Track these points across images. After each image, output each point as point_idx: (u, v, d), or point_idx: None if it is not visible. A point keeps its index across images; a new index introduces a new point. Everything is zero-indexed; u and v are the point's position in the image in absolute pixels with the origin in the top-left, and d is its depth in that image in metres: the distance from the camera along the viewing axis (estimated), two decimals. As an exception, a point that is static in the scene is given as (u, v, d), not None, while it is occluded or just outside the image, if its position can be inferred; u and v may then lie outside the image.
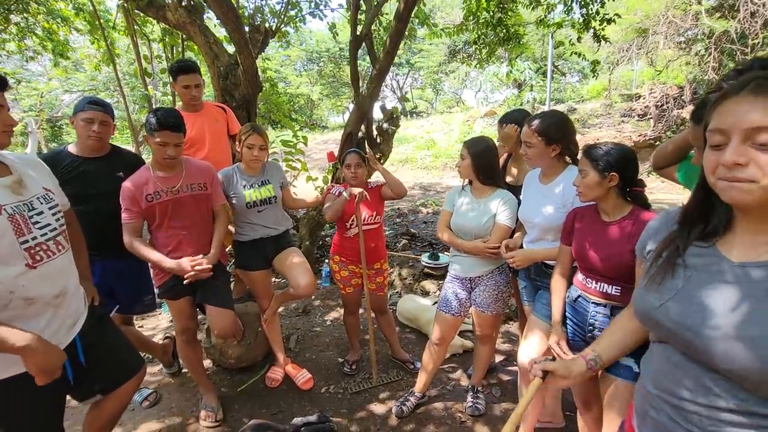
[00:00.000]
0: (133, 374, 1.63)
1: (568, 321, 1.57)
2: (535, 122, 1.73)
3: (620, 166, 1.41)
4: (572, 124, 1.83)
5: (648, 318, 0.80)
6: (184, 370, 2.65)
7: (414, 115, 20.92)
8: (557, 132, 1.71)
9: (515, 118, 2.18)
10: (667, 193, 8.12)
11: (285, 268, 2.34)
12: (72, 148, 2.05)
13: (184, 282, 1.96)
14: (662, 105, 10.09)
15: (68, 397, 1.49)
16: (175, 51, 4.75)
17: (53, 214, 1.34)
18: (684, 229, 0.79)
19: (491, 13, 4.90)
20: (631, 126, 10.55)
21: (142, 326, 3.36)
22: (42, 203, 1.31)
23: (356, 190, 2.25)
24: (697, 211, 0.77)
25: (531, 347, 1.76)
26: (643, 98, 10.87)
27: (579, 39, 5.00)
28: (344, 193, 2.26)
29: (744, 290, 0.67)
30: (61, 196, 1.49)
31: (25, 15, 5.68)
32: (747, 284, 0.67)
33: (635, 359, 1.36)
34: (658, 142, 9.08)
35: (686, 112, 9.19)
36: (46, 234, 1.28)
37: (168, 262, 1.93)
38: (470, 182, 2.08)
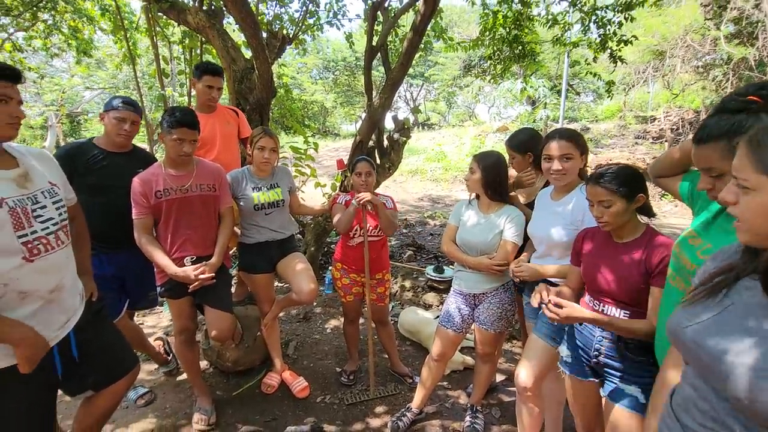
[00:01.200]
0: (127, 372, 1.62)
1: (569, 344, 1.52)
2: (567, 134, 1.69)
3: (642, 187, 1.37)
4: None
5: (674, 335, 0.80)
6: (181, 370, 2.63)
7: (426, 127, 21.01)
8: (584, 142, 1.71)
9: (527, 144, 2.10)
10: (680, 218, 7.98)
11: (288, 274, 2.33)
12: (98, 141, 2.11)
13: (189, 290, 1.97)
14: (677, 129, 10.00)
15: (60, 392, 1.49)
16: (193, 53, 4.84)
17: (57, 209, 1.35)
18: (743, 260, 0.77)
19: (507, 30, 4.92)
20: (645, 148, 10.44)
21: (142, 323, 3.36)
22: (46, 197, 1.32)
23: (364, 195, 2.23)
24: (746, 248, 0.77)
25: (530, 367, 1.71)
26: (658, 121, 10.78)
27: (595, 59, 4.99)
28: (353, 202, 2.24)
29: (765, 325, 0.65)
30: (67, 191, 1.50)
31: (52, 13, 5.86)
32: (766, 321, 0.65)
33: (641, 389, 1.32)
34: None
35: (702, 137, 9.08)
36: (47, 228, 1.29)
37: (173, 269, 1.93)
38: (477, 197, 2.06)
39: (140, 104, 4.99)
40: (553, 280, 1.73)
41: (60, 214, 1.36)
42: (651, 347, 1.36)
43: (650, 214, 1.44)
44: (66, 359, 1.40)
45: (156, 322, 3.39)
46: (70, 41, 6.50)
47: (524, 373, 1.72)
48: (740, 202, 0.67)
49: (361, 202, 2.22)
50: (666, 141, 10.07)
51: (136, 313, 2.93)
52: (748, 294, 0.72)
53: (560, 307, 1.32)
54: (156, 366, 2.69)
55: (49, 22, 6.07)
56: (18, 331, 1.15)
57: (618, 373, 1.37)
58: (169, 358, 2.67)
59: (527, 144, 2.11)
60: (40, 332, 1.25)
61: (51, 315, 1.32)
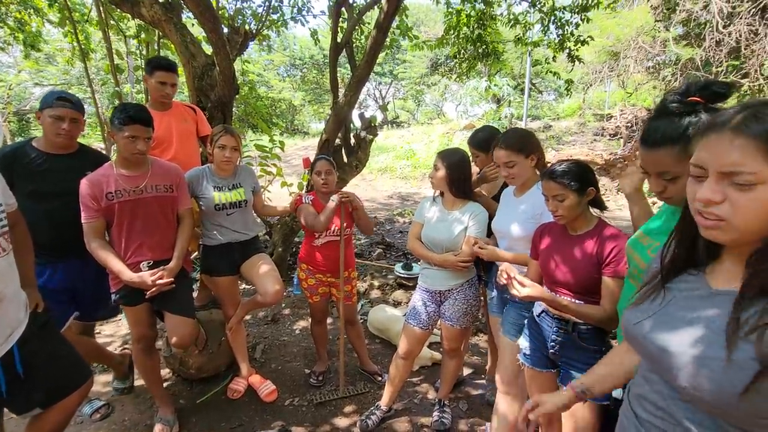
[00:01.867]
0: (78, 386, 1.53)
1: (530, 337, 1.57)
2: (508, 141, 1.75)
3: (592, 181, 1.43)
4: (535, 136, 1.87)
5: (627, 333, 0.83)
6: (138, 383, 2.50)
7: (395, 125, 21.08)
8: (530, 143, 1.76)
9: (488, 142, 2.11)
10: (635, 211, 8.40)
11: (253, 275, 2.27)
12: (37, 143, 1.95)
13: (146, 296, 1.88)
14: (632, 126, 10.52)
15: (6, 410, 1.39)
16: (150, 48, 4.62)
17: None
18: (677, 258, 0.79)
19: (471, 29, 5.01)
20: (603, 144, 10.94)
21: (99, 332, 3.18)
22: None
23: (337, 196, 2.21)
24: (685, 241, 0.78)
25: (507, 367, 1.76)
26: (614, 119, 11.31)
27: (554, 58, 5.17)
28: (332, 200, 2.21)
29: (710, 315, 0.68)
30: (7, 196, 1.40)
31: (-5, 4, 5.43)
32: (714, 309, 0.68)
33: None
34: (627, 162, 9.42)
35: (654, 134, 9.60)
36: None
37: (128, 275, 1.84)
38: (441, 194, 2.08)
39: (94, 102, 4.74)
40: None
41: (0, 220, 1.27)
42: (603, 337, 1.42)
43: (602, 207, 1.51)
44: (10, 376, 1.31)
45: (114, 331, 3.23)
46: (16, 34, 6.05)
47: (501, 374, 1.79)
48: (730, 201, 0.63)
49: (341, 199, 2.20)
50: (621, 137, 10.58)
51: (95, 325, 2.77)
52: (687, 287, 0.76)
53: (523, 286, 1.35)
54: (112, 377, 2.56)
55: (-9, 13, 5.63)
56: None
57: (573, 363, 1.43)
58: (129, 377, 2.50)
59: (489, 143, 2.15)
60: None
61: None
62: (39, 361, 1.40)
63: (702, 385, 0.63)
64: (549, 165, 1.50)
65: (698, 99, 0.95)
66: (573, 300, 1.42)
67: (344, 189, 2.59)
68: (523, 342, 1.59)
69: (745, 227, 0.63)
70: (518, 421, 1.15)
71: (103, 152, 3.14)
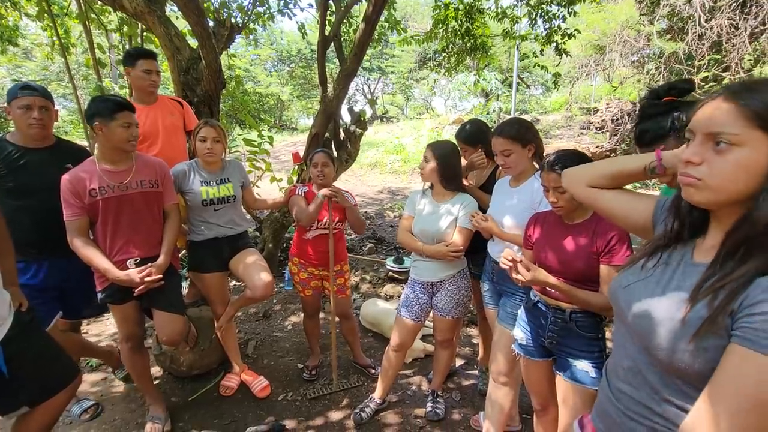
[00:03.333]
0: (65, 384, 1.50)
1: (525, 326, 1.59)
2: (506, 129, 1.75)
3: None
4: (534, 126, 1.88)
5: (612, 294, 0.86)
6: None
7: (384, 119, 21.02)
8: (528, 132, 1.76)
9: (476, 137, 2.16)
10: (621, 203, 8.54)
11: (241, 270, 2.24)
12: (12, 137, 1.88)
13: (134, 294, 1.85)
14: (617, 119, 10.67)
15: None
16: (133, 41, 4.51)
17: None
18: (668, 231, 0.82)
19: (460, 22, 5.00)
20: (589, 138, 11.08)
21: (87, 332, 3.13)
22: None
23: (326, 191, 2.20)
24: (678, 215, 0.81)
25: (502, 357, 1.78)
26: (600, 112, 11.45)
27: (542, 52, 5.20)
28: (319, 195, 2.20)
29: (685, 284, 0.72)
30: None
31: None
32: (690, 280, 0.72)
33: (592, 364, 1.40)
34: (613, 154, 9.58)
35: (639, 127, 9.75)
36: None
37: (115, 272, 1.80)
38: (431, 186, 2.09)
39: (76, 98, 4.63)
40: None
41: None
42: (599, 324, 1.44)
43: None
44: None
45: (101, 330, 3.17)
46: (-9, 28, 5.86)
47: (497, 365, 1.80)
48: (708, 162, 0.67)
49: (326, 195, 2.18)
50: (607, 131, 10.73)
51: (81, 323, 2.71)
52: (672, 260, 0.79)
53: (527, 270, 1.36)
54: (102, 376, 2.52)
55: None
56: None
57: (570, 350, 1.45)
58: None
59: (477, 136, 2.16)
60: None
61: None
62: (24, 361, 1.37)
63: (660, 345, 0.69)
64: (546, 156, 1.49)
65: (670, 99, 1.14)
66: None
67: (334, 184, 2.57)
68: (518, 332, 1.61)
69: (717, 187, 0.66)
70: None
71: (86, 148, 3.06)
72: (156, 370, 2.55)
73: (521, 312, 1.64)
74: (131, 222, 1.89)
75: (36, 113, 1.83)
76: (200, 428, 2.12)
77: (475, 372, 2.61)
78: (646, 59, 10.71)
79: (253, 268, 2.19)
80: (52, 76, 14.24)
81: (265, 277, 2.16)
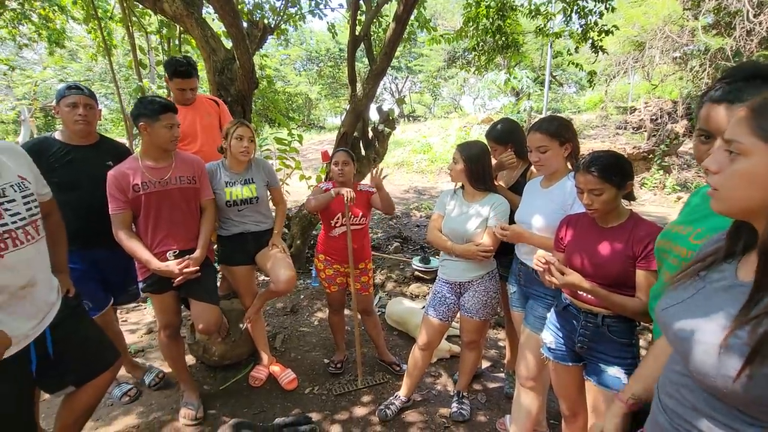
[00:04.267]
0: (108, 366, 1.60)
1: (555, 330, 1.55)
2: (545, 125, 1.72)
3: (631, 174, 1.38)
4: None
5: (657, 317, 0.84)
6: (164, 369, 2.57)
7: (412, 119, 20.96)
8: (567, 131, 1.72)
9: (506, 136, 2.13)
10: (658, 206, 8.19)
11: (266, 264, 2.30)
12: (59, 135, 2.01)
13: (173, 284, 1.93)
14: (656, 119, 10.20)
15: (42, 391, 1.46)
16: (172, 43, 4.71)
17: (26, 204, 1.30)
18: (723, 247, 0.79)
19: (491, 20, 4.92)
20: (626, 138, 10.65)
21: (125, 320, 3.30)
22: (15, 191, 1.28)
23: (345, 190, 2.23)
24: (731, 231, 0.78)
25: (530, 361, 1.75)
26: (638, 111, 10.98)
27: (576, 49, 5.05)
28: (332, 191, 2.24)
29: (729, 305, 0.68)
30: (39, 185, 1.46)
31: (21, 1, 5.61)
32: (735, 300, 0.68)
33: (624, 370, 1.36)
34: (651, 155, 9.18)
35: (680, 127, 9.29)
36: (15, 222, 1.25)
37: (156, 264, 1.90)
38: (462, 186, 2.07)
39: (118, 98, 4.86)
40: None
41: (29, 209, 1.32)
42: (632, 329, 1.39)
43: (632, 198, 1.46)
44: (42, 357, 1.37)
45: (139, 319, 3.33)
46: (40, 31, 6.25)
47: (525, 369, 1.77)
48: (723, 170, 0.67)
49: (343, 193, 2.21)
50: (645, 131, 10.28)
51: (118, 309, 2.86)
52: (718, 277, 0.75)
53: (561, 273, 1.34)
54: (142, 361, 2.65)
55: (18, 10, 5.81)
56: None
57: (601, 356, 1.41)
58: (148, 370, 2.52)
59: (508, 135, 2.13)
60: (12, 328, 1.21)
61: (24, 311, 1.28)
62: (71, 343, 1.46)
63: (703, 370, 0.66)
64: (582, 157, 1.44)
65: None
66: None
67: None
68: (547, 336, 1.57)
69: (728, 196, 0.67)
70: None
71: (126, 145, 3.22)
72: (189, 359, 2.65)
73: (551, 315, 1.61)
74: (170, 216, 1.98)
75: (81, 111, 1.95)
76: (231, 416, 2.19)
77: (502, 375, 2.58)
78: (690, 56, 10.18)
79: (276, 264, 2.25)
80: (95, 77, 15.03)
81: (288, 271, 2.21)
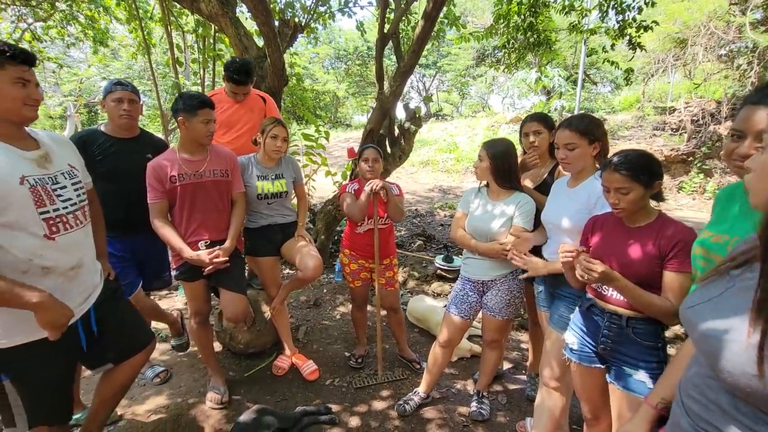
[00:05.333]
0: (144, 346, 1.70)
1: (578, 331, 1.52)
2: (575, 123, 1.69)
3: (660, 173, 1.35)
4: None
5: (681, 315, 0.83)
6: (193, 348, 2.69)
7: (438, 117, 20.81)
8: (597, 129, 1.68)
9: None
10: (697, 211, 7.81)
11: (292, 253, 2.37)
12: (104, 128, 2.14)
13: (204, 273, 2.02)
14: (698, 120, 9.70)
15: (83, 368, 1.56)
16: (206, 42, 4.87)
17: (75, 190, 1.41)
18: (756, 247, 0.77)
19: (523, 17, 4.82)
20: (663, 140, 10.17)
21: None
22: (66, 178, 1.38)
23: (375, 182, 2.24)
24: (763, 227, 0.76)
25: (554, 362, 1.73)
26: (678, 112, 10.47)
27: (612, 46, 4.87)
28: (366, 189, 2.26)
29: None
30: (85, 175, 1.56)
31: (69, 3, 5.95)
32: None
33: (649, 374, 1.32)
34: (690, 158, 8.75)
35: (723, 128, 8.80)
36: (66, 207, 1.35)
37: (188, 252, 1.99)
38: (487, 184, 2.06)
39: (156, 94, 5.08)
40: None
41: (78, 195, 1.42)
42: (658, 332, 1.35)
43: (660, 198, 1.42)
44: (87, 334, 1.47)
45: (170, 305, 3.48)
46: (86, 31, 6.61)
47: (549, 369, 1.75)
48: (755, 166, 0.69)
49: (374, 188, 2.23)
50: (685, 132, 9.80)
51: (151, 295, 2.99)
52: (749, 276, 0.73)
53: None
54: (170, 346, 2.77)
55: (66, 12, 6.17)
56: (35, 295, 1.20)
57: (625, 359, 1.37)
58: (184, 334, 2.68)
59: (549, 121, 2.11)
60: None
61: (72, 290, 1.38)
62: (111, 323, 1.57)
63: (725, 367, 0.65)
64: (611, 156, 1.41)
65: None
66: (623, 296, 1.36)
67: (387, 179, 2.61)
68: (570, 337, 1.54)
69: (758, 188, 0.68)
70: None
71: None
72: (216, 346, 2.75)
73: (575, 315, 1.58)
74: (204, 207, 2.07)
75: (126, 105, 2.08)
76: (254, 402, 2.26)
77: (523, 377, 2.54)
78: (736, 53, 9.63)
79: (303, 252, 2.32)
80: (135, 74, 15.71)
81: (314, 260, 2.27)
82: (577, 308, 1.57)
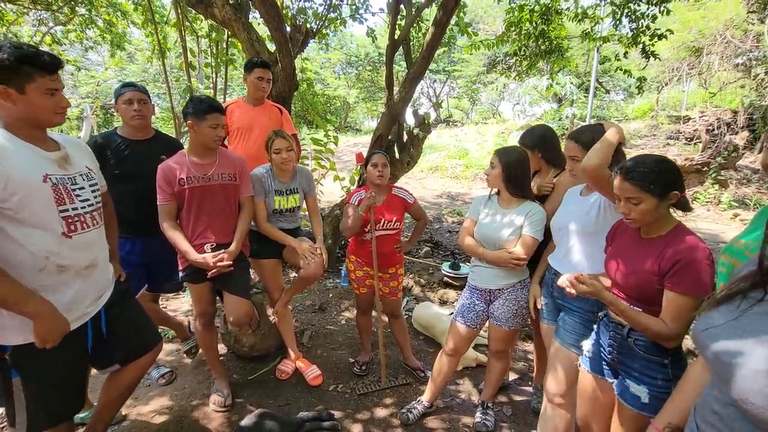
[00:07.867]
0: (151, 347, 1.71)
1: (593, 338, 1.51)
2: (579, 135, 1.67)
3: (677, 183, 1.24)
4: None
5: (695, 338, 0.80)
6: (199, 351, 2.71)
7: (448, 123, 20.79)
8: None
9: (536, 141, 2.08)
10: (711, 223, 7.64)
11: (294, 255, 2.36)
12: (120, 131, 2.19)
13: (208, 276, 2.03)
14: (713, 129, 9.54)
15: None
16: (219, 47, 4.94)
17: (93, 192, 1.45)
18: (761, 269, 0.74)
19: (534, 24, 4.80)
20: (677, 149, 10.03)
21: (165, 306, 3.48)
22: (84, 180, 1.42)
23: (365, 204, 2.25)
24: None
25: (559, 377, 1.69)
26: (693, 121, 10.32)
27: (625, 54, 4.82)
28: (359, 210, 2.27)
29: None
30: (100, 177, 1.59)
31: (89, 7, 6.10)
32: None
33: (648, 390, 1.28)
34: (705, 168, 8.59)
35: (740, 139, 8.64)
36: (84, 207, 1.39)
37: (193, 255, 2.00)
38: (498, 192, 2.04)
39: (169, 97, 5.17)
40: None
41: (95, 197, 1.46)
42: (662, 346, 1.30)
43: (686, 208, 1.31)
44: (96, 335, 1.49)
45: (177, 307, 3.51)
46: (105, 35, 6.77)
47: (554, 384, 1.71)
48: None
49: (365, 209, 2.25)
50: (700, 142, 9.64)
51: (160, 296, 3.02)
52: (763, 298, 0.71)
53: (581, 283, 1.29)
54: (177, 347, 2.79)
55: (86, 16, 6.33)
56: (35, 306, 1.22)
57: (631, 372, 1.34)
58: (192, 336, 2.71)
59: (537, 141, 2.07)
60: (76, 305, 1.34)
61: (86, 290, 1.41)
62: (120, 324, 1.58)
63: (749, 398, 0.63)
64: (625, 161, 1.33)
65: None
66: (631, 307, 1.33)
67: (395, 185, 2.60)
68: (587, 345, 1.52)
69: None
70: None
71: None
72: (221, 348, 2.76)
73: (597, 324, 1.55)
74: (211, 210, 2.08)
75: (136, 105, 2.12)
76: (257, 406, 2.26)
77: (529, 389, 2.49)
78: (754, 62, 9.47)
79: (306, 252, 2.30)
80: (150, 78, 16.02)
81: (318, 257, 2.27)
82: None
